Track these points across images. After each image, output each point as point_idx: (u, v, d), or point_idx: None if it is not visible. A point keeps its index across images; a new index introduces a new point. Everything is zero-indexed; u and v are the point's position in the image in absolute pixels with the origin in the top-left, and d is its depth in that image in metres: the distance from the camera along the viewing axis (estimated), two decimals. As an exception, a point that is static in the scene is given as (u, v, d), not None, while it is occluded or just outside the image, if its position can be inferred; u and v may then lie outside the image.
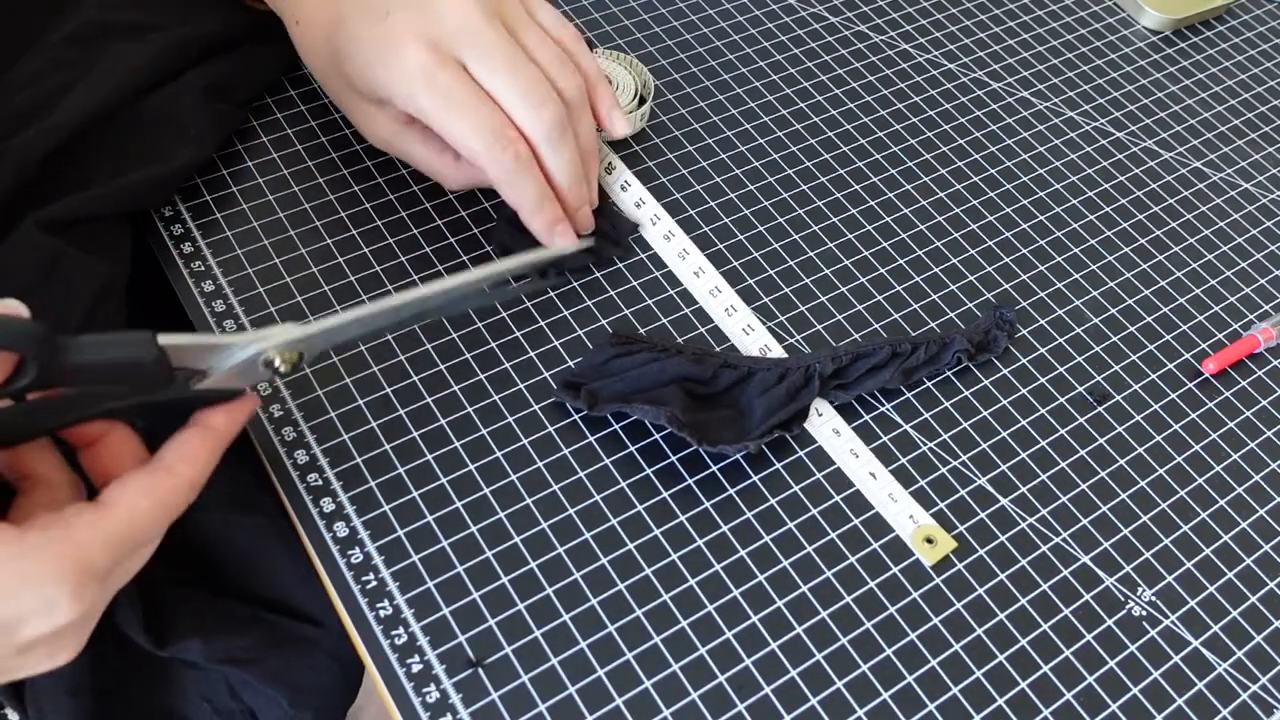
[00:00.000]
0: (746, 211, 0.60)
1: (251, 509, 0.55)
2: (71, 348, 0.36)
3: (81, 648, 0.37)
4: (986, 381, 0.55)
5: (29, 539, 0.35)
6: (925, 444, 0.52)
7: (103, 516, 0.37)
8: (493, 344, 0.53)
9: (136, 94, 0.54)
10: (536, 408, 0.51)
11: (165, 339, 0.38)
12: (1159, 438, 0.54)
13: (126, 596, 0.48)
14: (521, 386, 0.51)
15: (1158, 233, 0.62)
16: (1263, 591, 0.49)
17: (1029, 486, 0.51)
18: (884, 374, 0.53)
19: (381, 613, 0.45)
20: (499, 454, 0.49)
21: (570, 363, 0.52)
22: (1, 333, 0.35)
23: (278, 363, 0.41)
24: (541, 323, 0.54)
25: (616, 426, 0.51)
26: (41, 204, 0.49)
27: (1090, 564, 0.49)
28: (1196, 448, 0.54)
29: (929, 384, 0.54)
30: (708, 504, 0.49)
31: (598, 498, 0.48)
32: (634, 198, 0.58)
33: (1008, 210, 0.62)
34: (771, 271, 0.57)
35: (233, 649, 0.54)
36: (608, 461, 0.50)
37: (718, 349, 0.54)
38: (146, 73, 0.54)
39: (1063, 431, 0.53)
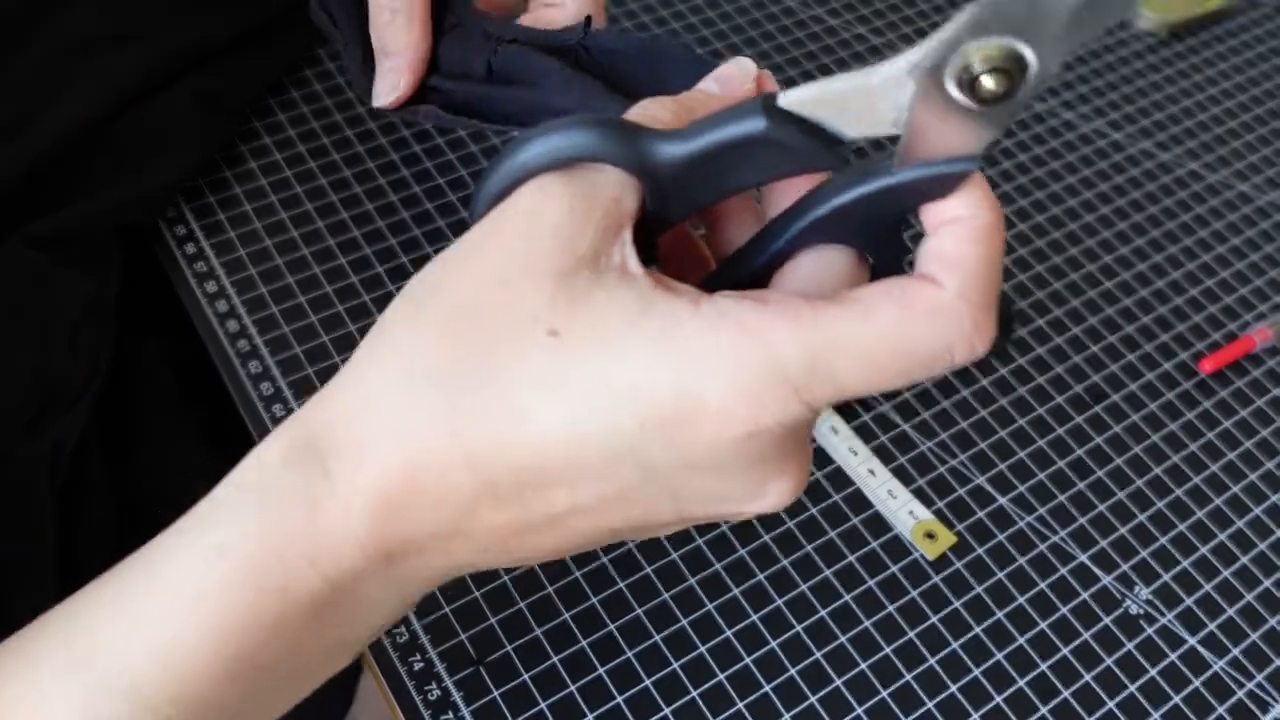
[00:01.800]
0: (746, 212, 0.60)
1: None
2: (667, 145, 0.29)
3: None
4: (984, 381, 0.55)
5: (715, 316, 0.27)
6: (924, 443, 0.52)
7: (820, 313, 0.27)
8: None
9: (124, 105, 0.53)
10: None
11: (784, 99, 0.29)
12: (1156, 437, 0.54)
13: None
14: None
15: (1154, 233, 0.63)
16: (1259, 590, 0.50)
17: (1027, 486, 0.52)
18: None
19: (384, 611, 0.45)
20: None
21: None
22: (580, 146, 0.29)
23: (984, 79, 0.26)
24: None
25: (617, 426, 0.51)
26: (27, 219, 0.49)
27: (1088, 563, 0.50)
28: (1193, 447, 0.54)
29: (927, 384, 0.54)
30: (708, 503, 0.49)
31: (598, 497, 0.49)
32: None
33: (1005, 210, 0.62)
34: (771, 272, 0.57)
35: None
36: (608, 461, 0.50)
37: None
38: (134, 83, 0.54)
39: (1060, 431, 0.54)
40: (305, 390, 0.50)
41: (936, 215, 0.29)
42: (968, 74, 0.26)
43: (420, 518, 0.29)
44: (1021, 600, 0.48)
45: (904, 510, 0.50)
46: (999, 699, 0.45)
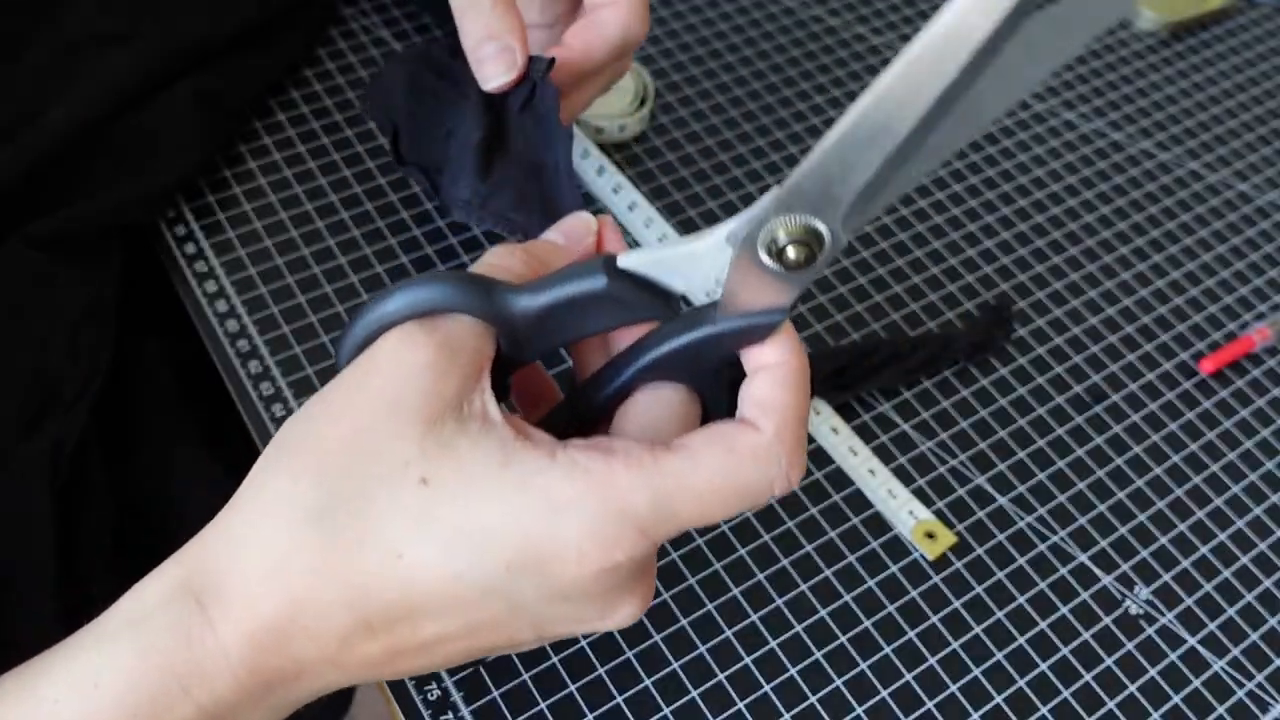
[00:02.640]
0: (746, 212, 0.60)
1: None
2: (519, 298, 0.33)
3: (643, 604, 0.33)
4: (984, 381, 0.55)
5: (569, 471, 0.31)
6: (924, 443, 0.52)
7: (658, 462, 0.31)
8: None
9: (124, 105, 0.53)
10: (537, 408, 0.51)
11: (623, 260, 0.32)
12: (1156, 437, 0.54)
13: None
14: (523, 387, 0.52)
15: (1154, 233, 0.63)
16: (1259, 590, 0.50)
17: (1027, 486, 0.52)
18: (882, 374, 0.53)
19: (384, 611, 0.45)
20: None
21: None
22: (441, 300, 0.32)
23: (788, 249, 0.30)
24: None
25: (617, 426, 0.51)
26: (27, 220, 0.49)
27: (1088, 563, 0.50)
28: (1193, 447, 0.54)
29: (927, 384, 0.54)
30: (708, 503, 0.49)
31: (598, 497, 0.49)
32: (626, 201, 0.58)
33: (1005, 211, 0.62)
34: (771, 272, 0.57)
35: None
36: (608, 461, 0.50)
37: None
38: (134, 83, 0.54)
39: (1060, 431, 0.54)
40: (305, 390, 0.50)
41: (754, 360, 0.33)
42: (775, 245, 0.30)
43: (298, 652, 0.31)
44: (1021, 600, 0.48)
45: (904, 510, 0.50)
46: (999, 699, 0.45)
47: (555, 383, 0.40)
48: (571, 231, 0.37)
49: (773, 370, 0.33)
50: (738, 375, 0.34)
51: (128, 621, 0.31)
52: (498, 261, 0.35)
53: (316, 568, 0.30)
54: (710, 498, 0.31)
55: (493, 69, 0.44)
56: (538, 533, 0.30)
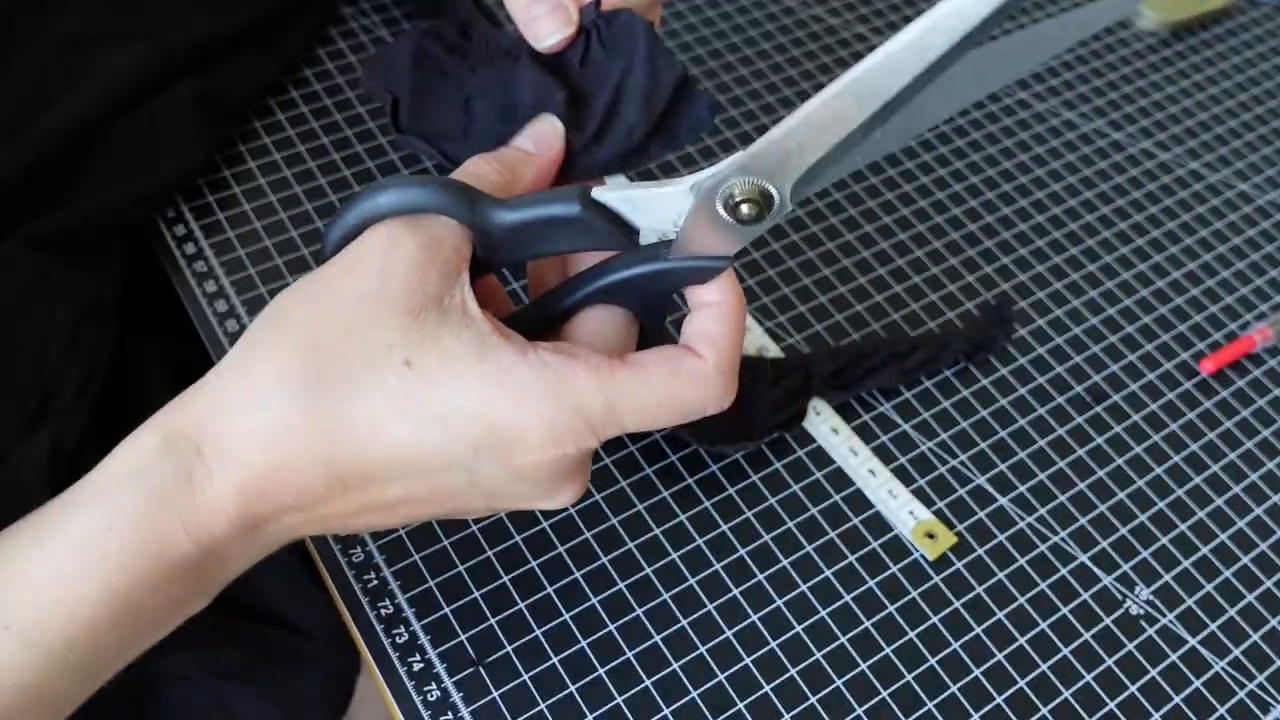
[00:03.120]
0: (746, 212, 0.60)
1: None
2: (498, 211, 0.36)
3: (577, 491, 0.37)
4: (985, 381, 0.55)
5: (537, 369, 0.34)
6: (924, 443, 0.52)
7: (613, 372, 0.35)
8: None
9: (123, 105, 0.53)
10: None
11: (598, 193, 0.36)
12: (1156, 437, 0.54)
13: None
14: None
15: (1155, 233, 0.63)
16: (1260, 590, 0.50)
17: (1027, 486, 0.51)
18: (882, 374, 0.53)
19: (383, 611, 0.45)
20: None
21: None
22: (428, 199, 0.35)
23: (742, 205, 0.35)
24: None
25: (617, 426, 0.51)
26: (26, 219, 0.49)
27: (1088, 563, 0.49)
28: (1194, 447, 0.54)
29: (927, 383, 0.54)
30: (708, 503, 0.49)
31: (598, 497, 0.49)
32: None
33: (1006, 211, 0.62)
34: (770, 272, 0.57)
35: (223, 663, 0.52)
36: (608, 461, 0.50)
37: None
38: (133, 83, 0.54)
39: (1061, 431, 0.54)
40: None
41: (698, 297, 0.37)
42: (731, 199, 0.35)
43: (280, 500, 0.35)
44: (1022, 600, 0.48)
45: (904, 510, 0.50)
46: (999, 699, 0.45)
47: (505, 293, 0.43)
48: (541, 138, 0.40)
49: (715, 307, 0.37)
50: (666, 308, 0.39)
51: (130, 471, 0.34)
52: (474, 170, 0.38)
53: (305, 433, 0.34)
54: (654, 410, 0.36)
55: (547, 26, 0.43)
56: (505, 420, 0.34)
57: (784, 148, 0.35)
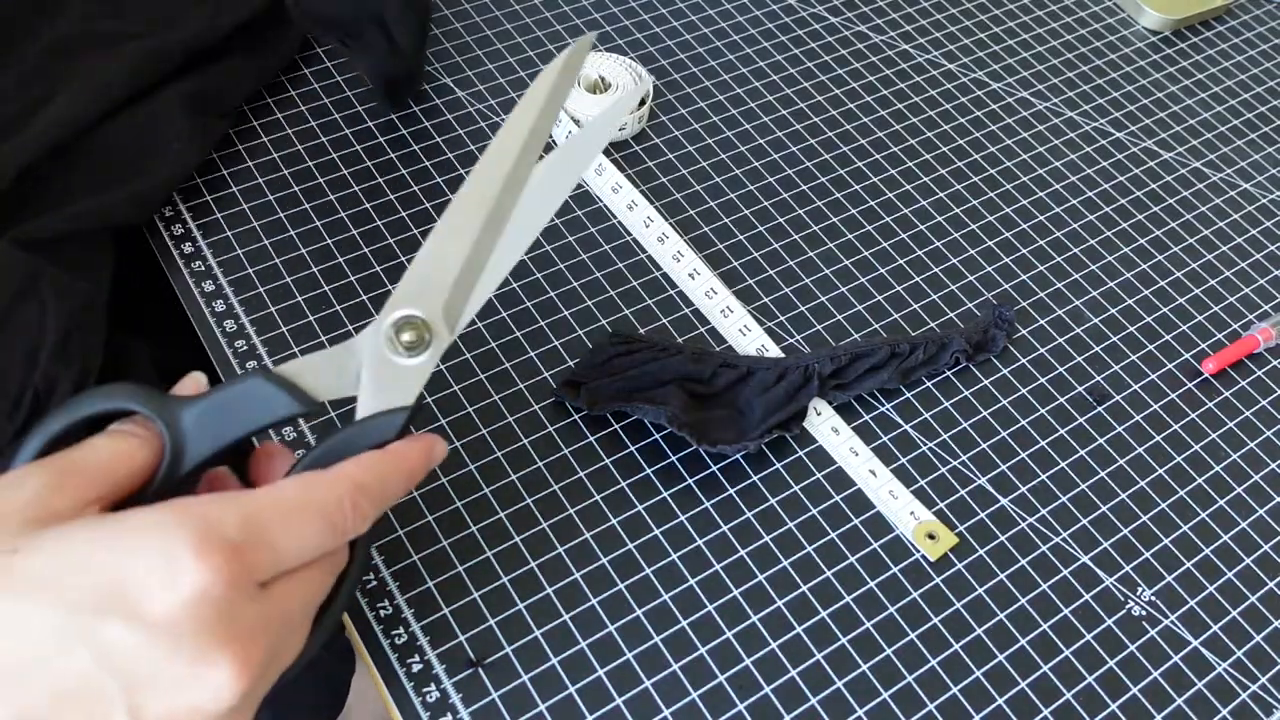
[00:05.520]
0: (746, 211, 0.60)
1: None
2: (184, 408, 0.36)
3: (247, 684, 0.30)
4: (986, 381, 0.55)
5: (154, 506, 0.31)
6: (925, 444, 0.52)
7: (241, 493, 0.33)
8: (493, 344, 0.53)
9: (115, 107, 0.53)
10: (536, 408, 0.51)
11: (275, 368, 0.37)
12: (1159, 438, 0.54)
13: None
14: (521, 386, 0.51)
15: (1157, 233, 0.62)
16: (1262, 591, 0.49)
17: (1029, 486, 0.51)
18: (883, 374, 0.53)
19: (382, 612, 0.45)
20: (499, 454, 0.49)
21: (570, 363, 0.52)
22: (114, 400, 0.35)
23: (403, 335, 0.38)
24: (542, 323, 0.54)
25: (616, 426, 0.51)
26: (16, 221, 0.48)
27: (1090, 564, 0.49)
28: (1196, 448, 0.54)
29: (928, 384, 0.54)
30: (708, 504, 0.49)
31: (598, 497, 0.49)
32: (625, 200, 0.58)
33: (1007, 210, 0.62)
34: (771, 271, 0.57)
35: None
36: (608, 461, 0.50)
37: (718, 349, 0.54)
38: (125, 85, 0.53)
39: (1062, 431, 0.53)
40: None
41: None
42: (393, 336, 0.37)
43: None
44: (1023, 601, 0.48)
45: (905, 511, 0.49)
46: (1000, 700, 0.45)
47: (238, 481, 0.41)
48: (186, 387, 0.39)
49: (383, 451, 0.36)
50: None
51: None
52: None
53: None
54: (294, 515, 0.32)
55: None
56: (115, 560, 0.29)
57: (423, 274, 0.38)
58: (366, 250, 0.55)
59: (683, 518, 0.48)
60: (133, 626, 0.29)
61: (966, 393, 0.54)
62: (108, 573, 0.29)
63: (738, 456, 0.50)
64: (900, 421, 0.53)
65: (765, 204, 0.60)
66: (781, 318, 0.55)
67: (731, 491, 0.49)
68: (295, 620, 0.33)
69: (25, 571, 0.29)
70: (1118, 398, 0.55)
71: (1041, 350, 0.56)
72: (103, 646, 0.29)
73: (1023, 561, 0.49)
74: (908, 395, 0.54)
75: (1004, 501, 0.51)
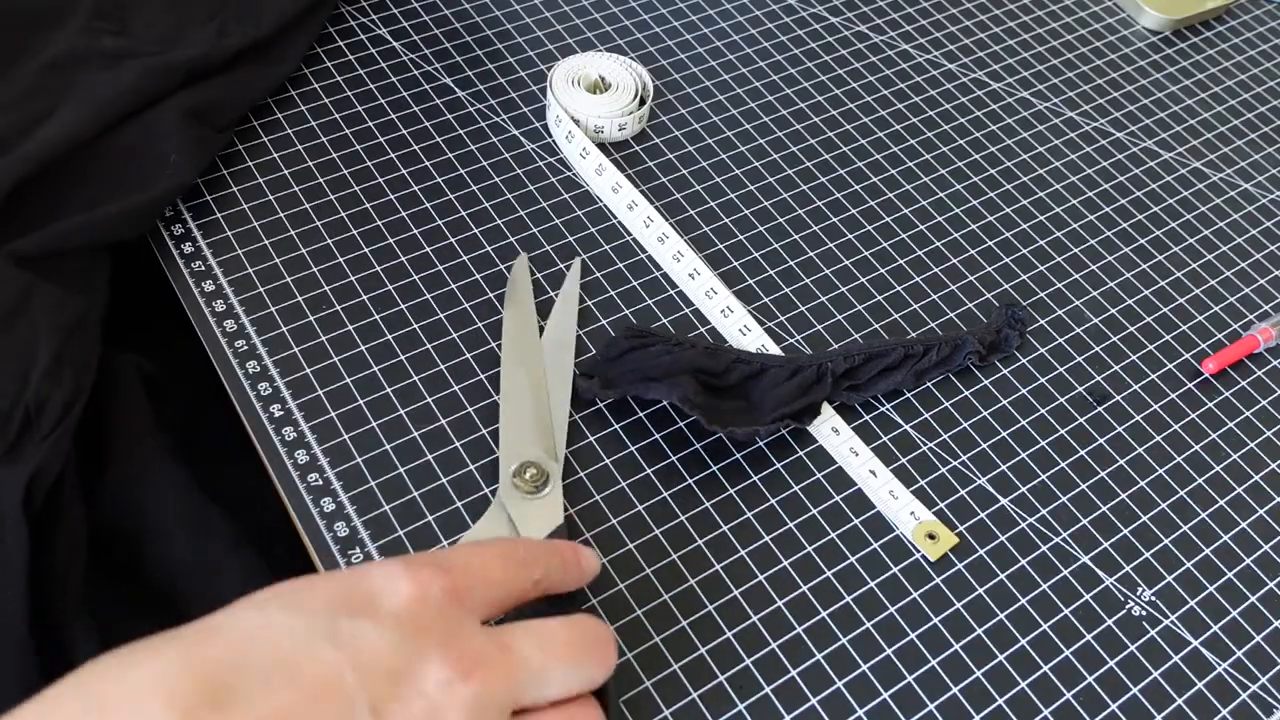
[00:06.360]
0: (746, 211, 0.60)
1: (208, 531, 0.49)
2: None
3: None
4: (986, 381, 0.55)
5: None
6: (925, 444, 0.52)
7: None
8: (492, 345, 0.53)
9: (114, 122, 0.52)
10: (537, 408, 0.51)
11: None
12: (1159, 438, 0.54)
13: (84, 626, 0.45)
14: (522, 387, 0.51)
15: (1157, 233, 0.62)
16: (1262, 591, 0.49)
17: (1029, 486, 0.51)
18: (897, 375, 0.53)
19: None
20: (499, 454, 0.49)
21: (591, 352, 0.52)
22: None
23: (526, 475, 0.46)
24: (541, 322, 0.54)
25: (616, 426, 0.51)
26: (12, 236, 0.48)
27: (1090, 564, 0.49)
28: (1196, 448, 0.54)
29: (928, 384, 0.54)
30: (708, 504, 0.49)
31: (597, 498, 0.49)
32: (626, 200, 0.58)
33: (1007, 210, 0.62)
34: (771, 272, 0.57)
35: None
36: (608, 461, 0.50)
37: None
38: (124, 100, 0.53)
39: (1062, 431, 0.53)
40: (303, 390, 0.50)
41: None
42: (519, 479, 0.46)
43: None
44: (1023, 601, 0.48)
45: (905, 511, 0.49)
46: (1001, 700, 0.45)
47: None
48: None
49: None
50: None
51: None
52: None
53: None
54: (483, 549, 0.38)
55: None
56: (343, 578, 0.35)
57: (522, 423, 0.48)
58: (366, 250, 0.55)
59: (683, 518, 0.48)
60: (362, 624, 0.33)
61: (966, 393, 0.54)
62: (340, 586, 0.34)
63: (738, 457, 0.50)
64: (900, 421, 0.53)
65: (765, 204, 0.60)
66: (781, 318, 0.55)
67: (732, 492, 0.49)
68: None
69: (256, 596, 0.34)
70: (1118, 398, 0.55)
71: (1041, 350, 0.56)
72: (342, 639, 0.32)
73: (1023, 561, 0.49)
74: (908, 395, 0.54)
75: (1004, 501, 0.51)
